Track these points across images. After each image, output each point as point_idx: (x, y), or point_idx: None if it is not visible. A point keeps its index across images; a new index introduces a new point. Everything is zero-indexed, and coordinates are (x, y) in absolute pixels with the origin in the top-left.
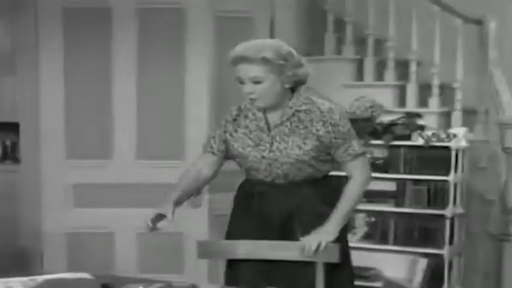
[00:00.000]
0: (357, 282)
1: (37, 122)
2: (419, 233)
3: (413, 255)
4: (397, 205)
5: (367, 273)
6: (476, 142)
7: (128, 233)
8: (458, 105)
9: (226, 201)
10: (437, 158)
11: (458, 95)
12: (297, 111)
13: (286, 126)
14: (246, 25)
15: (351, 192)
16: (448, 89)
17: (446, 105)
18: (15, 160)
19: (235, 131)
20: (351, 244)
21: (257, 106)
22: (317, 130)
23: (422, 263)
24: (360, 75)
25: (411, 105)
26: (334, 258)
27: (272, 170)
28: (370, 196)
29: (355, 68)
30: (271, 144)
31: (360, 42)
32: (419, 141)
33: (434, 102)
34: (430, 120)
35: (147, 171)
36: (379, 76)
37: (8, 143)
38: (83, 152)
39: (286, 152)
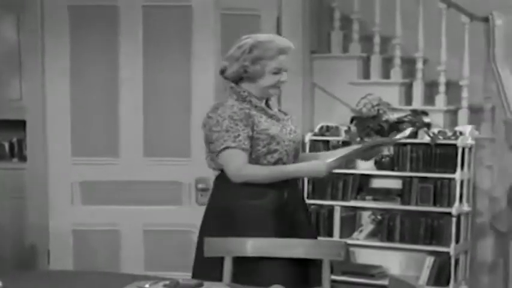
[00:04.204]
0: (363, 280)
1: (44, 119)
2: (425, 230)
3: (419, 253)
4: (404, 203)
5: (373, 271)
6: (482, 140)
7: (134, 231)
8: (464, 103)
9: None
10: (443, 155)
11: (465, 93)
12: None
13: (282, 112)
14: (252, 23)
15: None
16: (454, 87)
17: (453, 103)
18: (22, 158)
19: (259, 121)
20: (357, 242)
21: (278, 93)
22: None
23: (429, 260)
24: (366, 72)
25: (417, 103)
26: (340, 255)
27: (289, 151)
28: (377, 194)
29: (362, 65)
30: (284, 127)
31: (367, 40)
32: (426, 139)
33: (440, 100)
34: (436, 118)
35: (154, 168)
36: (386, 74)
37: (14, 140)
38: (90, 150)
39: (295, 134)
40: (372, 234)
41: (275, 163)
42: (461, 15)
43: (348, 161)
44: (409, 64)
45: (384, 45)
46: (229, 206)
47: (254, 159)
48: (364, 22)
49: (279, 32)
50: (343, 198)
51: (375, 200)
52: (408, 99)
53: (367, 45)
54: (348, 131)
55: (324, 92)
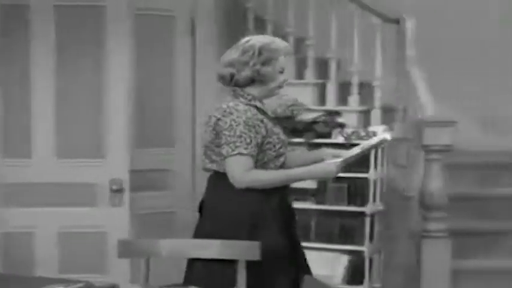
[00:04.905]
0: None
1: None
2: (340, 230)
3: (334, 253)
4: (318, 202)
5: None
6: (395, 140)
7: (49, 233)
8: (377, 104)
9: (148, 200)
10: None
11: (377, 93)
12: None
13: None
14: (166, 24)
15: None
16: (367, 88)
17: (366, 103)
18: None
19: (271, 126)
20: None
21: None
22: None
23: (343, 260)
24: None
25: (331, 104)
26: (255, 255)
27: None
28: (295, 194)
29: None
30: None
31: None
32: (340, 139)
33: (353, 101)
34: (350, 119)
35: (67, 170)
36: (300, 74)
37: None
38: (1, 151)
39: (285, 137)
40: None
41: (281, 167)
42: (374, 16)
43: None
44: (322, 65)
45: (297, 46)
46: (230, 209)
47: (264, 164)
48: (278, 23)
49: (193, 33)
50: None
51: (294, 200)
52: (322, 100)
53: None
54: None
55: None
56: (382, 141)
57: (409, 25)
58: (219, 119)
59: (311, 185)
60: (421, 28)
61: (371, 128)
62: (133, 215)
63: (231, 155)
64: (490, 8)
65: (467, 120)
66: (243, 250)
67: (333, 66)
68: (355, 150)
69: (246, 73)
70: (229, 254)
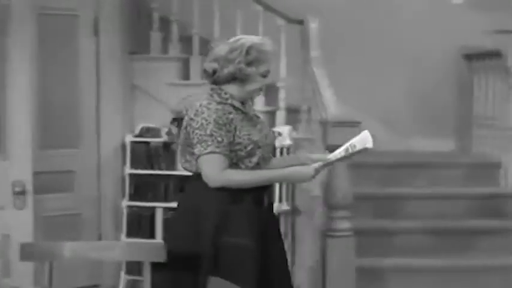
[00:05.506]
0: None
1: None
2: None
3: None
4: None
5: None
6: (300, 140)
7: None
8: (282, 104)
9: (53, 202)
10: None
11: (282, 94)
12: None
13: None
14: (70, 23)
15: None
16: (272, 88)
17: (271, 104)
18: None
19: (241, 125)
20: None
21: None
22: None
23: None
24: (186, 74)
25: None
26: (160, 257)
27: (265, 155)
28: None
29: (182, 67)
30: (261, 130)
31: (186, 41)
32: None
33: (259, 102)
34: None
35: None
36: None
37: None
38: None
39: (270, 137)
40: None
41: (253, 167)
42: (277, 18)
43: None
44: None
45: (203, 47)
46: (205, 210)
47: (234, 164)
48: (183, 23)
49: (97, 33)
50: (165, 200)
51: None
52: None
53: (187, 47)
54: (168, 132)
55: (144, 93)
56: (363, 150)
57: (313, 26)
58: (191, 119)
59: None
60: (326, 29)
61: (276, 129)
62: (38, 217)
63: (204, 154)
64: (394, 9)
65: (371, 121)
66: (147, 251)
67: None
68: (334, 157)
69: (228, 70)
70: (134, 255)
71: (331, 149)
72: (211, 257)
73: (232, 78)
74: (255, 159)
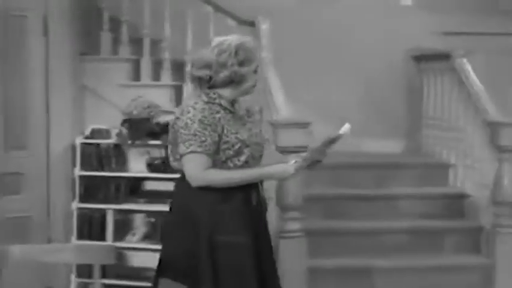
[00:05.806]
0: (137, 283)
1: None
2: None
3: None
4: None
5: (147, 274)
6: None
7: None
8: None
9: (1, 205)
10: None
11: None
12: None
13: (246, 114)
14: (18, 23)
15: None
16: None
17: None
18: None
19: (229, 125)
20: (131, 245)
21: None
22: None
23: None
24: (136, 75)
25: None
26: (110, 259)
27: (255, 154)
28: (149, 196)
29: (132, 68)
30: (250, 129)
31: (136, 42)
32: None
33: None
34: None
35: None
36: (156, 76)
37: None
38: None
39: (261, 136)
40: (146, 237)
41: (241, 166)
42: (228, 19)
43: (312, 164)
44: (179, 67)
45: (154, 48)
46: (197, 211)
47: (223, 163)
48: (133, 24)
49: (46, 33)
50: (116, 202)
51: (147, 202)
52: (179, 101)
53: (137, 48)
54: (119, 134)
55: (94, 94)
56: (340, 136)
57: (264, 27)
58: (177, 118)
59: (169, 187)
60: (276, 30)
61: None
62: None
63: (186, 153)
64: (345, 10)
65: (322, 122)
66: (98, 254)
67: (189, 68)
68: (314, 148)
69: (224, 74)
70: (84, 258)
71: (280, 150)
72: (211, 256)
73: (229, 82)
74: (243, 158)
